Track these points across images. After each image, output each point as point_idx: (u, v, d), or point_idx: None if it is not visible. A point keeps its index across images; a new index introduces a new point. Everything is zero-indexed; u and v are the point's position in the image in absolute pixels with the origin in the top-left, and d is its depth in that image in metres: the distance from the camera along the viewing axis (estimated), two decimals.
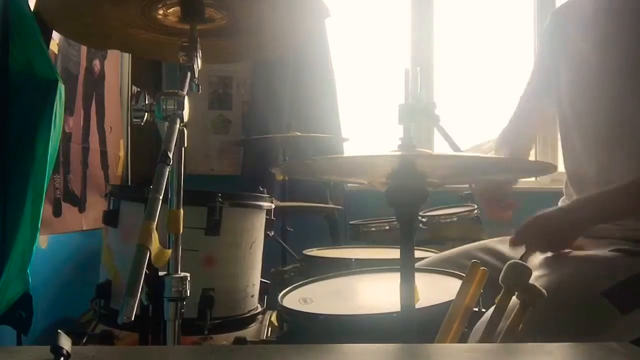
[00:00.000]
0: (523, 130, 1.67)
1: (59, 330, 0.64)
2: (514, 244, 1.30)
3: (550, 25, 1.58)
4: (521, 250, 1.40)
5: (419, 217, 2.39)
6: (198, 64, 1.06)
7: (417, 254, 1.48)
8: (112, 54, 2.30)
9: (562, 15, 1.54)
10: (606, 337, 1.06)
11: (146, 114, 1.00)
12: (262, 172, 2.79)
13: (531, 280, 0.94)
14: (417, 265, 1.46)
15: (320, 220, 2.75)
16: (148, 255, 0.75)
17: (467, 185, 2.56)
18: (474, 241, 1.65)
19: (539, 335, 1.01)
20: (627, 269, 1.16)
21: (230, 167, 3.07)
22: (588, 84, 1.40)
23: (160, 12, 1.12)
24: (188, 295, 0.98)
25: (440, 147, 3.19)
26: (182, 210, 0.98)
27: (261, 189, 1.97)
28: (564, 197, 1.51)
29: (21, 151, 1.32)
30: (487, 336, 0.94)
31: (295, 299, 1.25)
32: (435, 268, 1.40)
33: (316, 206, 2.64)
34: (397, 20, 3.35)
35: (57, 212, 1.81)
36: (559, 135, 1.54)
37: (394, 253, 1.54)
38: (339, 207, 2.69)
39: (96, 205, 2.06)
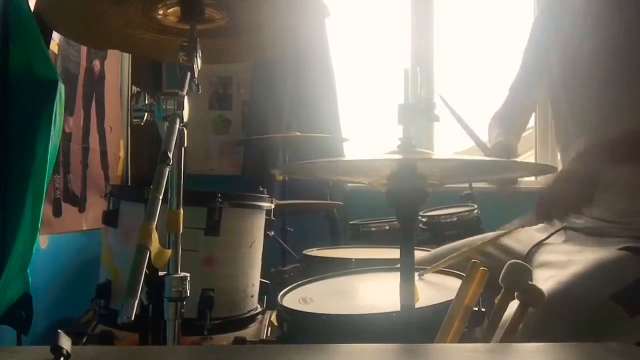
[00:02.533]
0: (515, 113, 1.69)
1: (59, 330, 0.64)
2: (535, 221, 1.28)
3: (543, 11, 1.60)
4: (527, 245, 1.40)
5: (419, 217, 2.39)
6: (198, 64, 1.06)
7: (417, 254, 1.49)
8: (112, 54, 2.30)
9: (555, 2, 1.55)
10: (615, 340, 1.05)
11: (146, 114, 1.00)
12: (262, 172, 2.79)
13: (539, 282, 0.94)
14: (421, 259, 1.47)
15: (320, 220, 2.75)
16: (148, 255, 0.75)
17: (467, 185, 2.57)
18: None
19: (546, 338, 1.01)
20: (634, 270, 1.16)
21: (230, 167, 3.07)
22: (580, 69, 1.40)
23: (160, 12, 1.13)
24: (188, 295, 0.98)
25: (441, 147, 3.20)
26: (181, 210, 0.98)
27: (261, 189, 1.97)
28: None
29: (21, 151, 1.32)
30: (487, 336, 0.94)
31: (295, 298, 1.25)
32: (435, 266, 1.40)
33: (316, 203, 2.64)
34: (397, 20, 3.36)
35: (57, 212, 1.81)
36: (551, 121, 1.56)
37: (394, 253, 1.54)
38: (339, 202, 2.68)
39: (96, 205, 2.06)
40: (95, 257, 1.67)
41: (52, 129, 1.35)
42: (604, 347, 0.71)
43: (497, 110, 1.74)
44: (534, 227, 1.54)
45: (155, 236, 0.77)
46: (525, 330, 0.96)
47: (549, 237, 1.41)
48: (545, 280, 1.13)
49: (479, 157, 1.06)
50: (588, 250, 1.26)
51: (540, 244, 1.40)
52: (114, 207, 1.54)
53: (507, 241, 1.46)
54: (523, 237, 1.48)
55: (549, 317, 1.02)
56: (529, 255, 1.38)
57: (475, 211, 2.41)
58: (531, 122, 3.43)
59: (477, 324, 1.04)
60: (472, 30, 3.37)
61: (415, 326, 0.91)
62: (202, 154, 3.06)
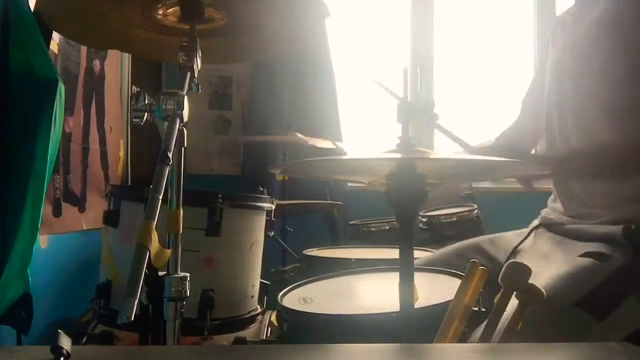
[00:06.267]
0: (525, 130, 1.68)
1: (59, 330, 0.64)
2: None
3: (548, 30, 1.62)
4: (505, 252, 1.42)
5: (419, 217, 2.39)
6: (198, 64, 1.06)
7: (417, 254, 1.50)
8: (112, 54, 2.30)
9: (556, 21, 1.58)
10: None
11: (146, 114, 1.00)
12: (262, 172, 2.79)
13: None
14: (426, 260, 1.48)
15: (320, 220, 2.75)
16: (148, 255, 0.75)
17: (467, 185, 2.57)
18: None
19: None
20: (594, 275, 1.17)
21: (230, 167, 3.07)
22: (565, 85, 1.43)
23: (160, 12, 1.13)
24: (188, 295, 0.98)
25: (440, 146, 3.20)
26: (181, 210, 0.98)
27: (261, 189, 1.97)
28: (552, 197, 1.52)
29: (21, 151, 1.32)
30: (487, 336, 0.94)
31: (295, 299, 1.25)
32: (434, 268, 1.41)
33: (316, 203, 2.64)
34: (397, 20, 3.36)
35: (57, 212, 1.81)
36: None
37: (394, 253, 1.54)
38: (339, 202, 2.69)
39: (96, 205, 2.06)
40: (95, 257, 1.68)
41: (52, 129, 1.35)
42: (604, 347, 0.72)
43: (508, 127, 1.72)
44: (513, 232, 1.55)
45: (155, 236, 0.77)
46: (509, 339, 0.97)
47: (522, 241, 1.43)
48: None
49: (479, 157, 1.06)
50: (552, 259, 1.28)
51: (515, 252, 1.42)
52: (114, 207, 1.54)
53: (488, 247, 1.47)
54: (501, 242, 1.49)
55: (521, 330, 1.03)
56: (514, 257, 1.40)
57: (475, 211, 2.41)
58: None
59: (476, 324, 1.04)
60: (472, 30, 3.37)
61: (415, 326, 0.90)
62: (202, 154, 3.06)
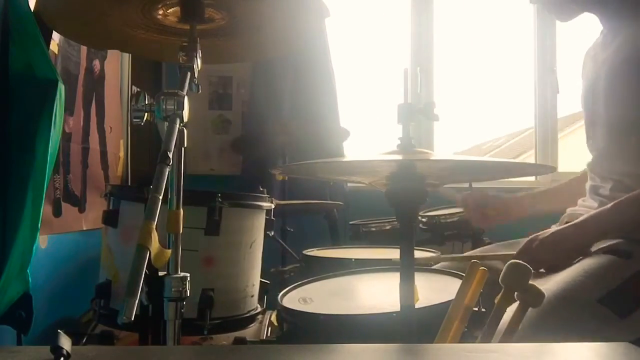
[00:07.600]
0: None
1: (59, 330, 0.64)
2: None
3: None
4: None
5: (419, 217, 2.39)
6: (198, 64, 1.06)
7: (417, 254, 1.50)
8: (112, 54, 2.29)
9: (585, 54, 1.58)
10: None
11: (146, 114, 1.00)
12: (262, 172, 2.79)
13: None
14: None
15: (320, 220, 2.75)
16: (148, 255, 0.75)
17: (467, 185, 2.57)
18: (473, 240, 1.65)
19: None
20: (619, 272, 1.17)
21: (230, 167, 3.07)
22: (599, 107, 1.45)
23: (160, 12, 1.13)
24: (188, 295, 0.98)
25: (440, 147, 3.21)
26: (181, 210, 0.98)
27: (261, 189, 1.96)
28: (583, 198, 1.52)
29: (21, 151, 1.32)
30: (487, 336, 0.94)
31: (295, 298, 1.25)
32: (434, 268, 1.41)
33: (316, 203, 2.64)
34: (397, 20, 3.36)
35: (57, 212, 1.81)
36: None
37: (394, 253, 1.54)
38: (339, 202, 2.69)
39: (96, 205, 2.06)
40: (95, 257, 1.67)
41: (52, 129, 1.35)
42: (606, 347, 0.71)
43: None
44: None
45: (155, 236, 0.77)
46: (521, 334, 0.97)
47: None
48: None
49: (479, 157, 1.06)
50: None
51: None
52: (114, 207, 1.54)
53: (508, 249, 1.47)
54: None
55: (537, 326, 1.03)
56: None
57: None
58: (531, 123, 3.45)
59: (477, 324, 1.04)
60: (472, 30, 3.37)
61: (415, 326, 0.91)
62: (202, 154, 3.06)
